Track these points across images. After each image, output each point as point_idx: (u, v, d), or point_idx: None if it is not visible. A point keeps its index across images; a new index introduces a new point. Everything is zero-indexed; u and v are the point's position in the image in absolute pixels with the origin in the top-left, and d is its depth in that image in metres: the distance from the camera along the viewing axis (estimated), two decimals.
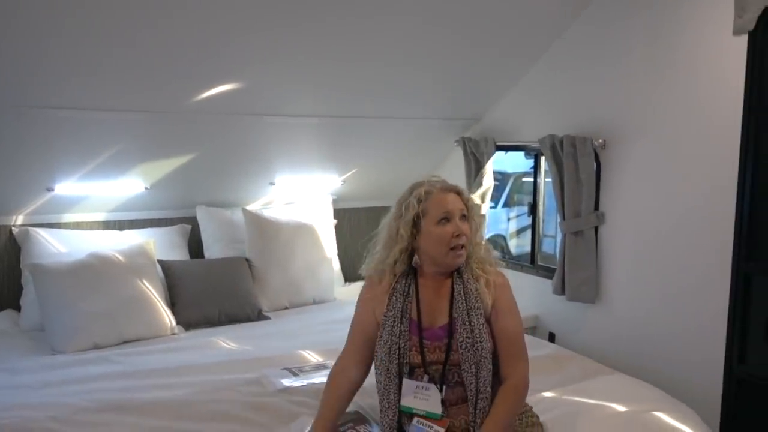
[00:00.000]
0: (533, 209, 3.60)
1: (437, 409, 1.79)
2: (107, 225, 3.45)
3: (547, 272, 3.46)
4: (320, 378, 2.24)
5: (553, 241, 3.82)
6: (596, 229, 3.09)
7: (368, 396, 2.09)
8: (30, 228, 3.19)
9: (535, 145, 3.28)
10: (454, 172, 3.75)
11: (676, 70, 2.71)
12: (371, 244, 1.96)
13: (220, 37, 2.58)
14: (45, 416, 2.06)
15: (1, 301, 3.25)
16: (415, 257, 1.90)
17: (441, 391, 1.80)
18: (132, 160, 3.18)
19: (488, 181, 3.64)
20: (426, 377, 1.81)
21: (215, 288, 3.23)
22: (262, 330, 3.10)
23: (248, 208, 3.65)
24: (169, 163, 3.30)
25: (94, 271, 2.92)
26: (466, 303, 1.82)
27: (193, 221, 3.63)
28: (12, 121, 2.72)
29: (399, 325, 1.82)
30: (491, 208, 3.83)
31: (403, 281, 1.88)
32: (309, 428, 1.88)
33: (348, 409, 1.97)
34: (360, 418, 2.03)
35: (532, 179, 3.62)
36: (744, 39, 2.44)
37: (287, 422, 2.05)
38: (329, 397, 1.89)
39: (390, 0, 2.64)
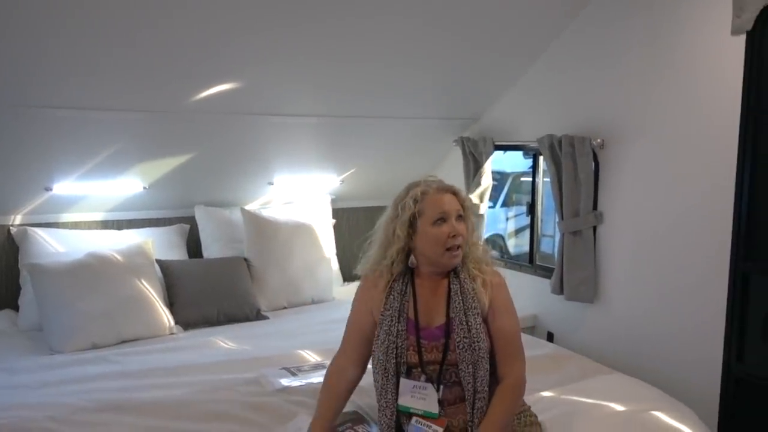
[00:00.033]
0: (532, 209, 3.59)
1: (434, 409, 1.79)
2: (105, 225, 3.45)
3: (546, 272, 3.46)
4: (319, 378, 2.22)
5: (551, 241, 3.81)
6: (595, 228, 3.09)
7: (366, 395, 2.10)
8: (28, 228, 3.19)
9: (534, 144, 3.28)
10: (453, 172, 3.76)
11: (674, 70, 2.71)
12: (366, 245, 1.96)
13: (219, 37, 2.58)
14: (43, 416, 2.05)
15: None
16: (411, 257, 1.90)
17: (438, 390, 1.80)
18: (130, 159, 3.18)
19: (487, 181, 3.64)
20: (423, 377, 1.81)
21: (214, 288, 3.23)
22: (260, 330, 3.10)
23: (247, 207, 3.65)
24: (167, 162, 3.29)
25: (93, 270, 2.92)
26: (463, 303, 1.82)
27: (191, 221, 3.63)
28: (10, 120, 2.71)
29: (396, 324, 1.83)
30: (490, 207, 3.83)
31: (401, 281, 1.88)
32: (307, 428, 1.88)
33: (346, 409, 1.97)
34: (358, 418, 2.03)
35: (530, 179, 3.62)
36: (742, 39, 2.44)
37: (286, 422, 2.05)
38: (326, 396, 1.89)
39: (389, 0, 2.64)
